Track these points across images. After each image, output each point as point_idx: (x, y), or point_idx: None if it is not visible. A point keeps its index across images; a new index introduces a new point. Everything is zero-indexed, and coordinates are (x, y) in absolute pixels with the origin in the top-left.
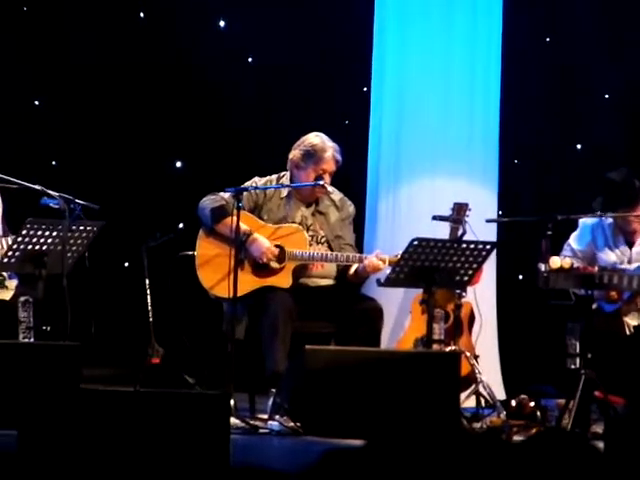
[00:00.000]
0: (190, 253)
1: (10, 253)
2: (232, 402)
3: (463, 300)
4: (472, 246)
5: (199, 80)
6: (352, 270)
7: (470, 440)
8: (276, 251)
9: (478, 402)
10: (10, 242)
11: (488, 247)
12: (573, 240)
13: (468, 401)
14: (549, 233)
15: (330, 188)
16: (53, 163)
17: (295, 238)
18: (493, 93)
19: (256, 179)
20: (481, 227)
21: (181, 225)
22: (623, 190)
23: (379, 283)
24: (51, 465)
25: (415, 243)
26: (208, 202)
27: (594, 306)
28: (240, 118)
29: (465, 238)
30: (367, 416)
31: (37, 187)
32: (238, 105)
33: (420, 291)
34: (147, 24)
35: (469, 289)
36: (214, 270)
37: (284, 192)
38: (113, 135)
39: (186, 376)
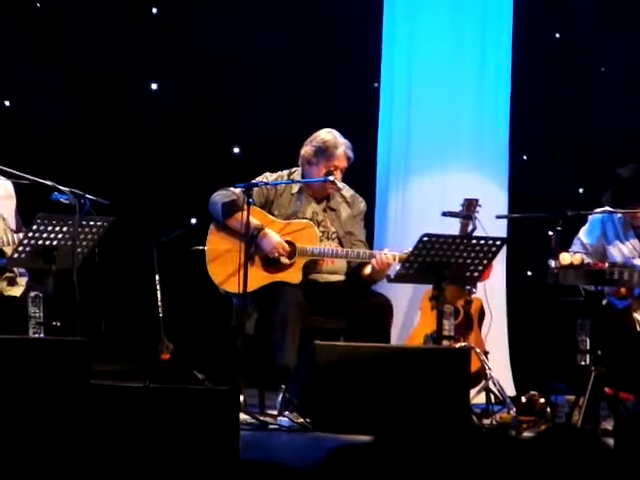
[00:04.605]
0: (201, 248)
1: (20, 248)
2: (242, 398)
3: (473, 296)
4: (482, 242)
5: (207, 76)
6: (367, 271)
7: (479, 436)
8: (287, 246)
9: (488, 398)
10: (21, 237)
11: (498, 243)
12: (583, 234)
13: (478, 397)
14: (559, 229)
15: (341, 184)
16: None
17: (306, 234)
18: (503, 88)
19: (267, 174)
20: (491, 223)
21: (194, 220)
22: (631, 186)
23: (389, 279)
24: (61, 461)
25: (425, 239)
26: (219, 197)
27: (604, 302)
28: (251, 114)
29: (475, 234)
30: (376, 412)
31: (48, 182)
32: (248, 100)
33: (430, 287)
34: (160, 20)
35: (479, 285)
36: (224, 265)
37: (295, 188)
38: (123, 130)
39: (196, 372)
